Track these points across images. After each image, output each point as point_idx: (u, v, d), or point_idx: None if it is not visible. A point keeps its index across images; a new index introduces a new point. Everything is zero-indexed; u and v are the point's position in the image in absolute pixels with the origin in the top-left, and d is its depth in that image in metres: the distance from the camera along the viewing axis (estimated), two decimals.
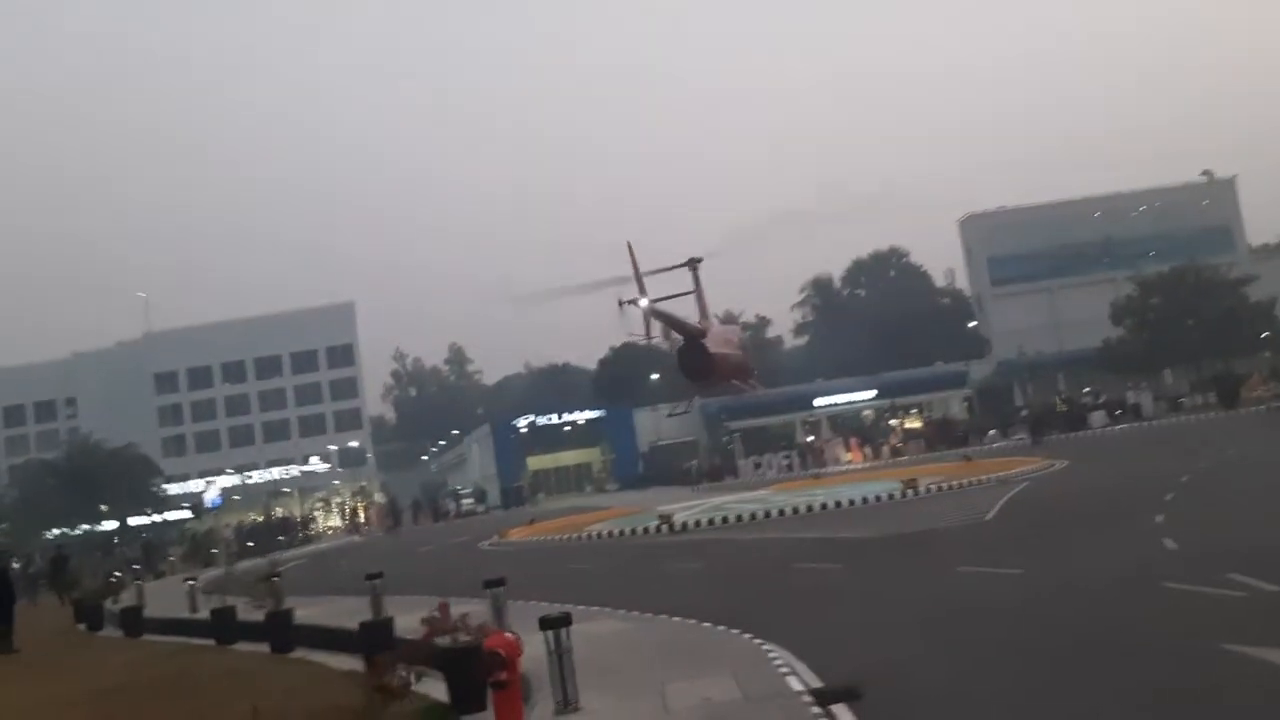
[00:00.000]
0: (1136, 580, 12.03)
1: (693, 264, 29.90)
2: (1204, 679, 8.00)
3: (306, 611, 20.57)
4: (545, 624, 9.03)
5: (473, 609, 14.67)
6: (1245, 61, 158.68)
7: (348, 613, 17.04)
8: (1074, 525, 18.33)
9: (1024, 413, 60.08)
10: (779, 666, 9.83)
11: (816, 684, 9.31)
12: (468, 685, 10.56)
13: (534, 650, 9.56)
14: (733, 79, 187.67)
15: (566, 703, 9.00)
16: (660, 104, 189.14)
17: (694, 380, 31.91)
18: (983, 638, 10.56)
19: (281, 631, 18.09)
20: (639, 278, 28.53)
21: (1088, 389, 60.33)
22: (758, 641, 11.07)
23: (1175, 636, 9.32)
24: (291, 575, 34.63)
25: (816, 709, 8.26)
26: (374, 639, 14.33)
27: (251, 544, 56.05)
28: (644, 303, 29.08)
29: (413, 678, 8.25)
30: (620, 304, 29.07)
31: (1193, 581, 11.25)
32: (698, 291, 30.99)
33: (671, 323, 29.68)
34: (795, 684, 9.12)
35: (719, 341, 30.78)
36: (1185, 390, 62.37)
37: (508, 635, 6.72)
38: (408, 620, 14.17)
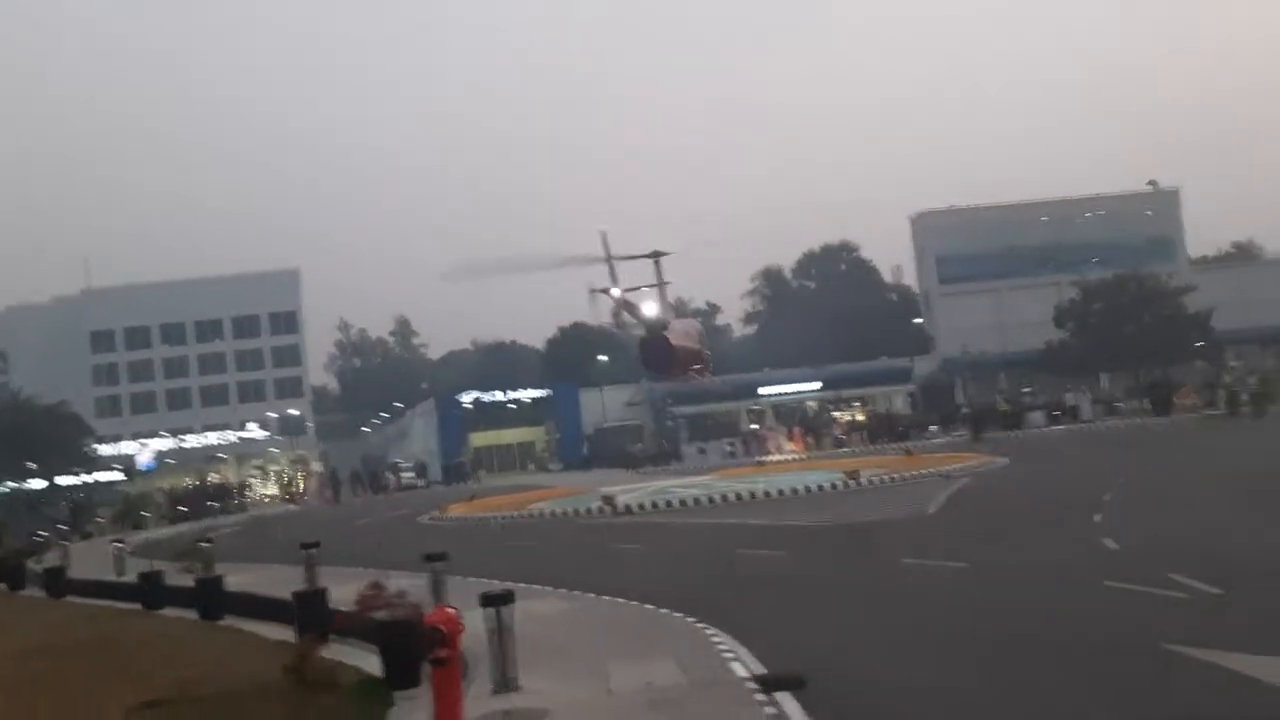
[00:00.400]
0: (1078, 578, 12.10)
1: (656, 256, 30.18)
2: (1144, 677, 8.02)
3: (238, 579, 20.14)
4: (487, 601, 8.81)
5: (411, 583, 14.45)
6: (1197, 75, 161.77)
7: (281, 582, 16.65)
8: (1015, 522, 18.47)
9: (965, 410, 60.82)
10: (723, 651, 9.72)
11: (760, 670, 9.21)
12: (403, 660, 10.33)
13: (473, 627, 9.34)
14: (690, 79, 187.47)
15: (506, 682, 8.80)
16: (623, 96, 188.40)
17: (654, 370, 32.62)
18: (926, 629, 10.53)
19: (211, 598, 17.66)
20: (611, 266, 28.90)
21: (1027, 389, 61.18)
22: (701, 626, 10.95)
23: (1117, 634, 9.34)
24: (224, 542, 34.01)
25: (760, 696, 8.14)
26: (307, 609, 13.99)
27: (184, 509, 55.05)
28: (616, 292, 29.52)
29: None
30: (591, 292, 29.22)
31: (1133, 581, 11.32)
32: (660, 284, 31.40)
33: (637, 313, 30.02)
34: (739, 670, 9.01)
35: (680, 335, 31.57)
36: (1121, 395, 63.53)
37: (448, 610, 6.49)
38: (342, 592, 13.86)
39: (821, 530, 20.30)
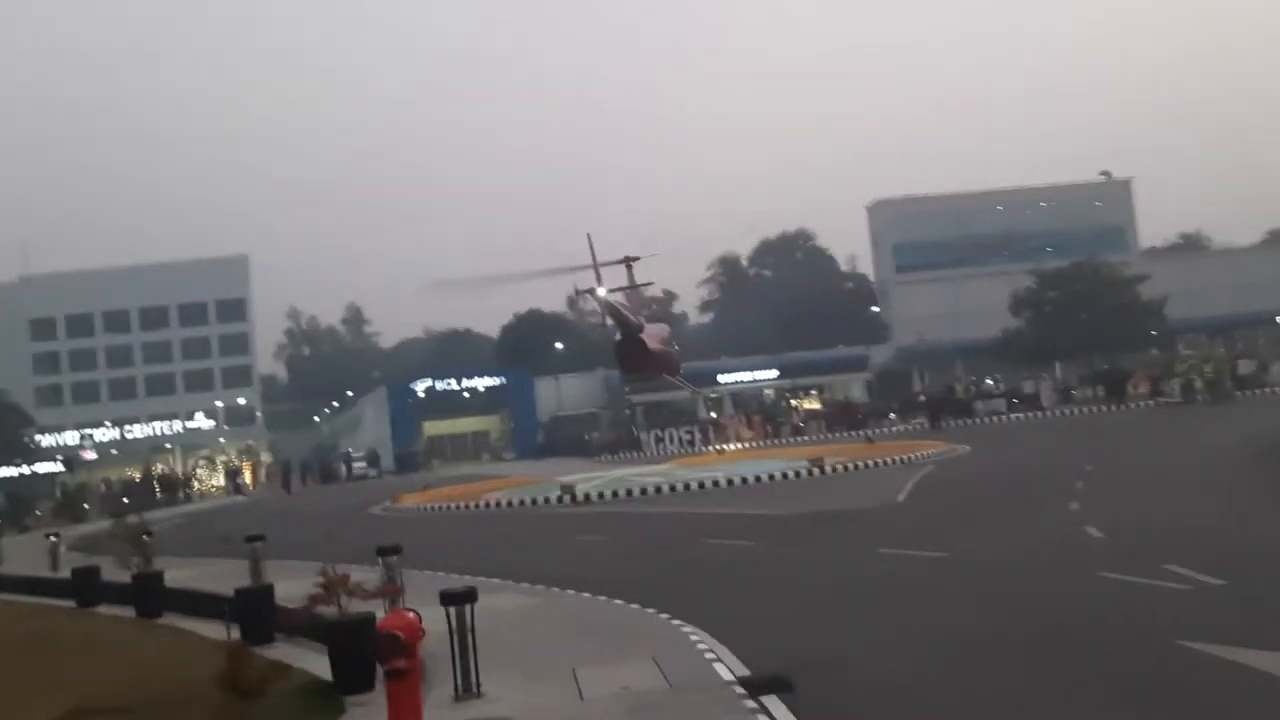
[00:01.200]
0: (1069, 569, 11.54)
1: (628, 262, 31.24)
2: (1165, 678, 7.41)
3: (178, 574, 19.11)
4: (447, 599, 8.02)
5: (364, 578, 13.59)
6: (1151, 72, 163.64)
7: (225, 576, 15.70)
8: (990, 510, 17.96)
9: (922, 398, 60.73)
10: (703, 651, 9.01)
11: (744, 672, 8.52)
12: (354, 662, 9.52)
13: (432, 626, 8.55)
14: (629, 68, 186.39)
15: (467, 687, 8.03)
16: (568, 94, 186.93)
17: (630, 372, 33.56)
18: (918, 625, 9.90)
19: (149, 595, 16.64)
20: (596, 269, 30.11)
21: (990, 379, 61.12)
22: (676, 622, 10.23)
23: (1128, 630, 8.75)
24: (167, 535, 32.73)
25: (749, 702, 7.44)
26: (251, 607, 13.09)
27: (127, 500, 53.29)
28: (602, 292, 30.18)
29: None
30: (576, 292, 30.15)
31: (1130, 572, 10.77)
32: (633, 288, 32.44)
33: (619, 316, 30.65)
34: (722, 672, 8.30)
35: (655, 339, 32.41)
36: (1075, 383, 63.81)
37: (408, 614, 5.69)
38: (289, 587, 13.00)
39: (792, 519, 19.67)
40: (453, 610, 7.99)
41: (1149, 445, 28.11)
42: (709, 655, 8.81)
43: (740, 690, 7.70)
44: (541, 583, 13.65)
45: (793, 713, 7.34)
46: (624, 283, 31.54)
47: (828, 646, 9.32)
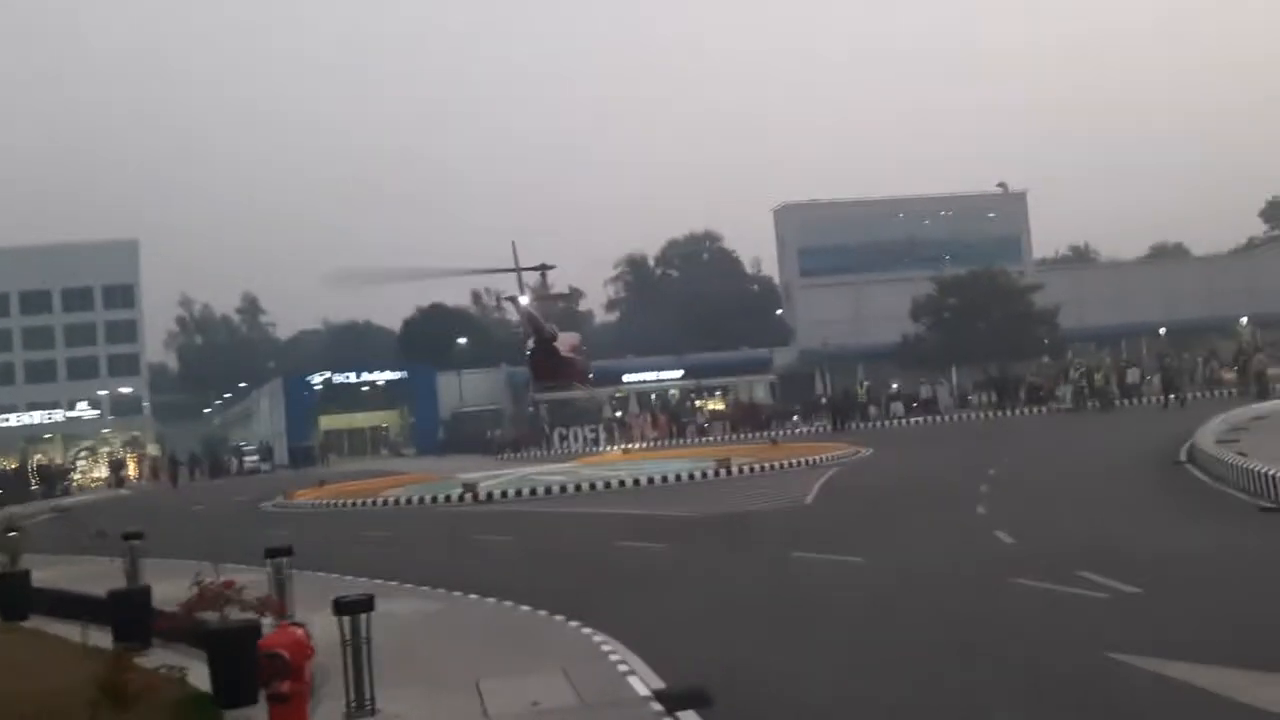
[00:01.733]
0: (985, 576, 11.36)
1: (543, 270, 31.88)
2: (1101, 692, 7.17)
3: (49, 573, 17.86)
4: (341, 608, 7.37)
5: (253, 578, 12.76)
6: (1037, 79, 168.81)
7: (101, 576, 14.59)
8: (898, 513, 17.87)
9: (824, 400, 61.32)
10: (615, 663, 8.51)
11: (659, 685, 8.06)
12: (238, 674, 8.78)
13: (324, 630, 7.88)
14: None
15: (361, 703, 7.39)
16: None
17: (542, 379, 34.67)
18: (832, 634, 9.56)
19: (14, 595, 15.44)
20: (519, 276, 30.91)
21: (894, 383, 61.85)
22: (587, 631, 9.71)
23: (1053, 642, 8.53)
24: (40, 530, 30.96)
25: (668, 719, 6.98)
26: (126, 610, 12.17)
27: (1, 491, 50.50)
28: (524, 301, 30.44)
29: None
30: (498, 300, 31.40)
31: (1045, 579, 10.64)
32: (546, 297, 33.53)
33: (535, 323, 31.00)
34: (636, 685, 7.82)
35: (568, 347, 33.22)
36: (970, 388, 65.22)
37: (294, 631, 5.06)
38: (169, 588, 12.11)
39: (701, 521, 19.30)
40: (346, 620, 7.35)
41: (1046, 450, 28.58)
42: (622, 667, 8.33)
43: (656, 707, 7.24)
44: (443, 586, 13.00)
45: None
46: (539, 288, 32.18)
47: (745, 657, 8.92)
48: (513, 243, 30.70)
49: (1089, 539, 13.19)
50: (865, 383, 62.11)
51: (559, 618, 10.42)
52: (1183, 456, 21.91)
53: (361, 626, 7.38)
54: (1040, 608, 9.72)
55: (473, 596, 12.07)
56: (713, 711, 7.35)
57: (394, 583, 13.59)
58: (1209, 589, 10.04)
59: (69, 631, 14.20)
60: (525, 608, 11.07)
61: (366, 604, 7.42)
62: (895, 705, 7.37)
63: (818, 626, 9.87)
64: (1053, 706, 7.00)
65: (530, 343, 31.73)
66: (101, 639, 12.92)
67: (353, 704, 7.36)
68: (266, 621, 11.04)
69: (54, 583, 16.59)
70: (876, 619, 9.96)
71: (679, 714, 7.25)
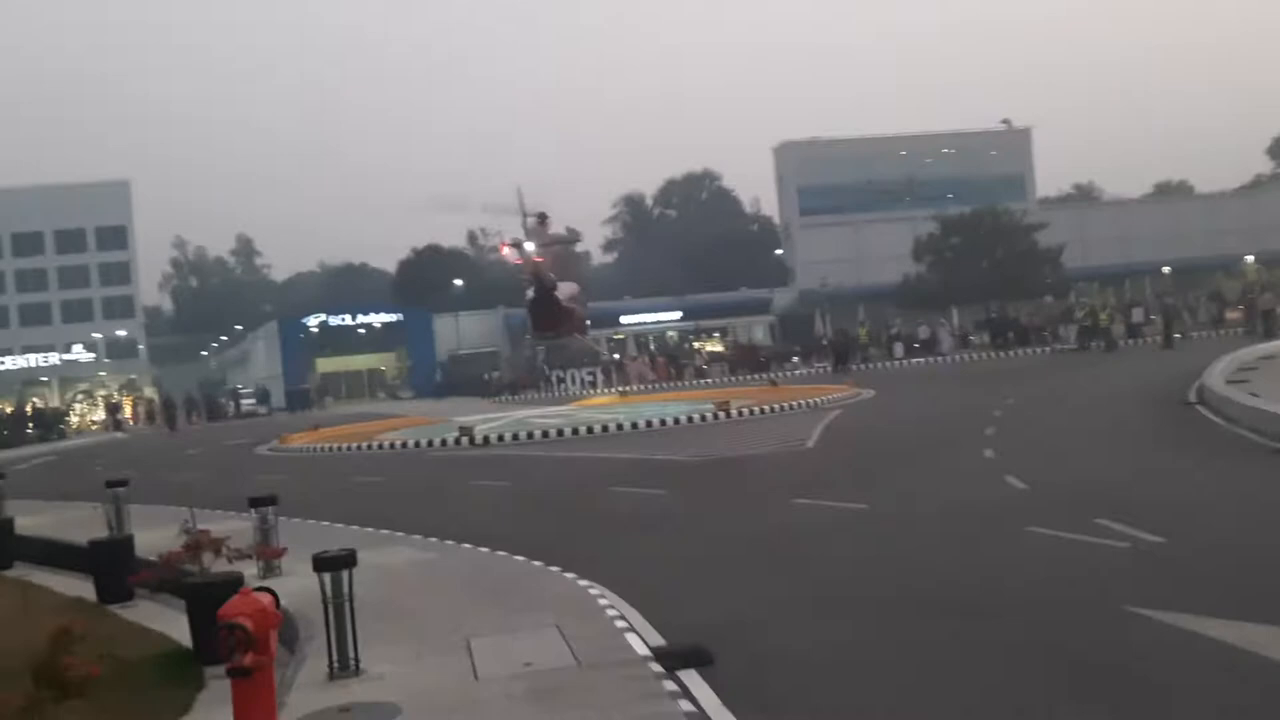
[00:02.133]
0: (996, 524, 10.93)
1: (542, 218, 31.96)
2: (1114, 649, 6.76)
3: (36, 520, 17.56)
4: (321, 564, 6.94)
5: (240, 526, 12.36)
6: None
7: (90, 523, 14.21)
8: (902, 457, 17.44)
9: (825, 341, 60.81)
10: (613, 618, 8.09)
11: (658, 642, 7.66)
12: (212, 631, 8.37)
13: (308, 589, 7.48)
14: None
15: (344, 664, 6.99)
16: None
17: (543, 330, 35.02)
18: (842, 586, 9.15)
19: None
20: (525, 221, 30.93)
21: (895, 325, 61.11)
22: (583, 583, 9.30)
23: (1071, 595, 8.11)
24: (33, 474, 30.66)
25: (670, 684, 6.56)
26: (108, 560, 11.79)
27: None
28: (530, 247, 30.43)
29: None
30: (503, 245, 31.33)
31: (1061, 527, 10.21)
32: (548, 242, 33.29)
33: (537, 273, 30.90)
34: (634, 643, 7.41)
35: (566, 296, 33.33)
36: (971, 329, 64.69)
37: (257, 597, 4.60)
38: (156, 536, 11.74)
39: (700, 466, 18.90)
40: (328, 577, 6.92)
41: (1051, 391, 28.15)
42: (619, 623, 7.92)
43: (656, 667, 6.83)
44: (436, 534, 12.59)
45: (716, 693, 6.51)
46: (537, 230, 32.26)
47: (747, 610, 8.52)
48: (518, 188, 30.86)
49: (1104, 484, 12.76)
50: (865, 323, 61.44)
51: (554, 568, 10.02)
52: (1192, 397, 21.48)
53: (344, 583, 6.96)
54: (1058, 558, 9.29)
55: (466, 545, 11.67)
56: (714, 671, 6.96)
57: (385, 531, 13.20)
58: (1234, 538, 9.61)
59: (53, 581, 13.89)
60: (520, 557, 10.67)
61: (348, 560, 6.99)
62: (906, 662, 6.97)
63: (822, 578, 9.46)
64: (1074, 664, 6.59)
65: (530, 292, 31.82)
66: (86, 589, 12.61)
67: (335, 665, 6.96)
68: (253, 573, 10.69)
69: (40, 530, 16.26)
70: (884, 571, 9.54)
71: (680, 674, 6.86)
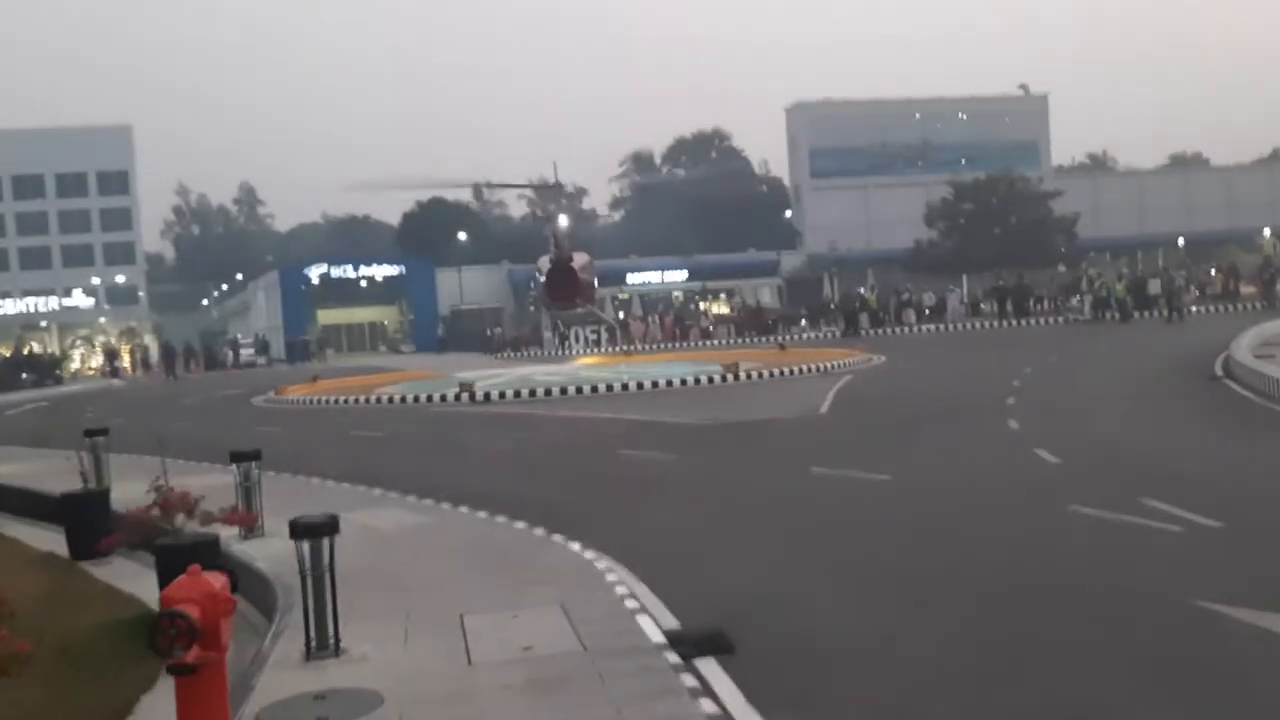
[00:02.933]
0: (1035, 501, 10.17)
1: (557, 188, 33.13)
2: (1197, 651, 6.00)
3: (18, 468, 16.89)
4: (299, 531, 6.19)
5: (223, 481, 11.64)
6: None
7: (71, 472, 13.51)
8: (924, 426, 16.65)
9: (833, 305, 59.90)
10: (622, 596, 7.36)
11: (672, 624, 6.94)
12: None
13: (286, 548, 6.72)
14: None
15: (323, 643, 6.27)
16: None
17: (557, 300, 35.88)
18: (869, 565, 8.40)
19: None
20: (558, 195, 31.71)
21: (906, 291, 60.04)
22: (590, 555, 8.56)
23: (1128, 585, 7.35)
24: (22, 420, 29.99)
25: (687, 677, 5.83)
26: (80, 514, 11.09)
27: None
28: (564, 221, 32.05)
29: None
30: (534, 215, 33.54)
31: (1105, 507, 9.44)
32: (557, 216, 34.39)
33: (560, 245, 31.57)
34: (646, 626, 6.68)
35: (580, 266, 33.56)
36: (980, 296, 63.73)
37: (210, 578, 3.84)
38: (138, 488, 11.01)
39: (711, 430, 18.15)
40: (306, 545, 6.17)
41: (1068, 361, 27.35)
42: (629, 602, 7.18)
43: (671, 657, 6.10)
44: (432, 495, 11.85)
45: (740, 687, 5.78)
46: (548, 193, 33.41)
47: (769, 590, 7.80)
48: (554, 163, 33.19)
49: (1141, 460, 12.01)
50: (874, 288, 60.28)
51: (557, 537, 9.28)
52: (1219, 371, 20.71)
53: (323, 552, 6.22)
54: (1107, 543, 8.52)
55: (463, 509, 10.93)
56: (735, 660, 6.23)
57: (378, 490, 12.48)
58: None
59: (28, 534, 13.20)
60: (520, 524, 9.93)
61: (329, 525, 6.24)
62: (954, 654, 6.23)
63: (848, 556, 8.71)
64: (1139, 665, 5.86)
65: (546, 261, 32.24)
66: (61, 543, 11.92)
67: (313, 643, 6.24)
68: (230, 533, 9.97)
69: (17, 479, 15.58)
70: (915, 548, 8.79)
71: (697, 663, 6.13)
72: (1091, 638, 6.35)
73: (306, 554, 6.18)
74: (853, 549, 8.93)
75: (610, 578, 7.84)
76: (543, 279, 33.77)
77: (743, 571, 8.44)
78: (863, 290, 59.65)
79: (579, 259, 34.76)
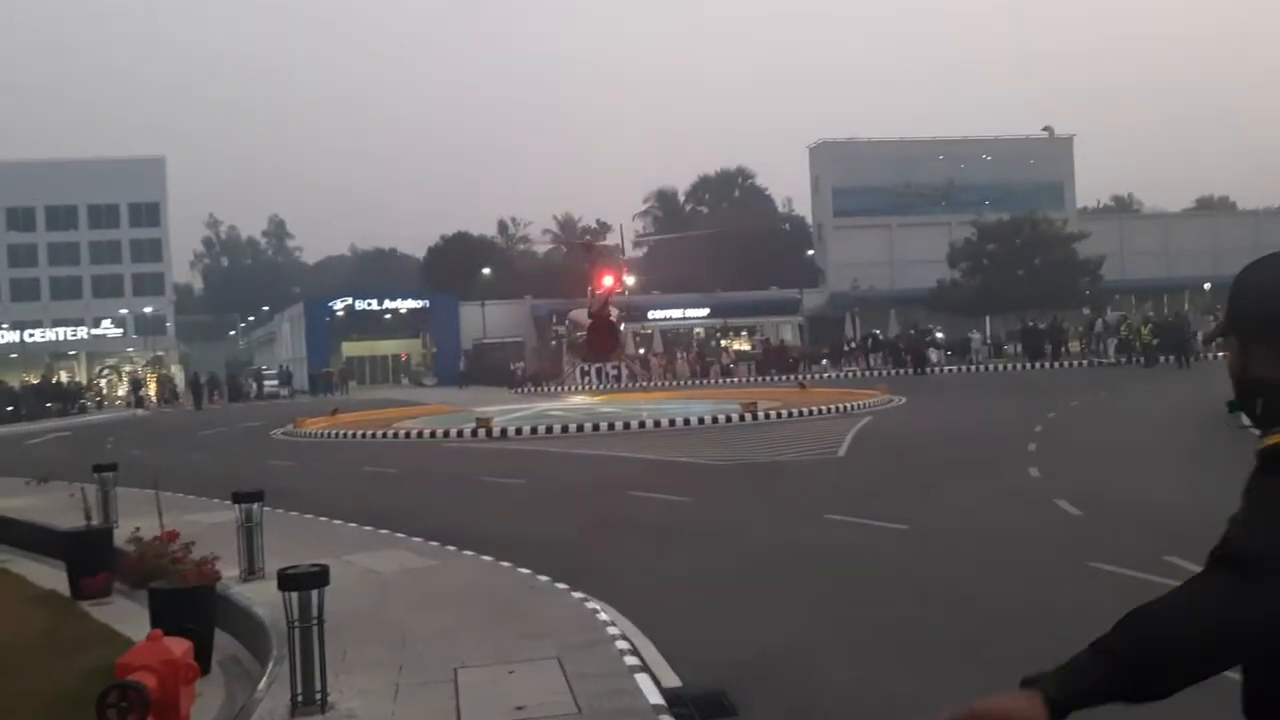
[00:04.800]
0: (1055, 554, 9.87)
1: (588, 245, 36.19)
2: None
3: (27, 501, 16.82)
4: (287, 583, 6.02)
5: (228, 518, 11.49)
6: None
7: (78, 507, 13.41)
8: (941, 472, 16.36)
9: (853, 344, 59.53)
10: (622, 651, 7.12)
11: (673, 682, 6.71)
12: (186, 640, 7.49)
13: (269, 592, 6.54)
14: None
15: (309, 698, 6.06)
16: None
17: (600, 354, 36.79)
18: (889, 621, 8.11)
19: None
20: (620, 252, 33.35)
21: (930, 327, 59.45)
22: (592, 606, 8.32)
23: None
24: (42, 450, 30.07)
25: None
26: (81, 552, 10.96)
27: (12, 409, 49.91)
28: (609, 281, 33.56)
29: None
30: (599, 278, 33.82)
31: (1126, 564, 9.12)
32: (592, 269, 35.10)
33: (606, 304, 33.40)
34: (645, 686, 6.44)
35: (618, 318, 34.72)
36: (1004, 338, 63.22)
37: (171, 644, 3.62)
38: (145, 524, 10.87)
39: (726, 471, 17.91)
40: (294, 597, 6.00)
41: (1093, 406, 26.96)
42: (630, 659, 6.93)
43: (669, 718, 5.86)
44: (439, 536, 11.66)
45: None
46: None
47: (777, 646, 7.53)
48: (620, 226, 34.95)
49: (1166, 514, 11.64)
50: (917, 326, 58.91)
51: (562, 585, 9.04)
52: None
53: (312, 605, 6.04)
54: (1131, 604, 8.19)
55: (468, 553, 10.72)
56: None
57: (385, 530, 12.30)
58: None
59: (33, 570, 13.08)
60: (525, 570, 9.70)
61: (319, 577, 6.06)
62: None
63: (863, 613, 8.42)
64: None
65: (582, 314, 33.49)
66: (62, 579, 11.80)
67: (299, 698, 6.04)
68: (233, 574, 9.81)
69: (27, 513, 15.51)
70: (936, 605, 8.49)
71: None
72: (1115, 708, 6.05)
73: (295, 606, 6.00)
74: (868, 605, 8.65)
75: (612, 630, 7.60)
76: (580, 334, 35.09)
77: (752, 626, 8.18)
78: (915, 328, 58.49)
79: (614, 310, 35.18)
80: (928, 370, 48.12)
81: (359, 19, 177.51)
